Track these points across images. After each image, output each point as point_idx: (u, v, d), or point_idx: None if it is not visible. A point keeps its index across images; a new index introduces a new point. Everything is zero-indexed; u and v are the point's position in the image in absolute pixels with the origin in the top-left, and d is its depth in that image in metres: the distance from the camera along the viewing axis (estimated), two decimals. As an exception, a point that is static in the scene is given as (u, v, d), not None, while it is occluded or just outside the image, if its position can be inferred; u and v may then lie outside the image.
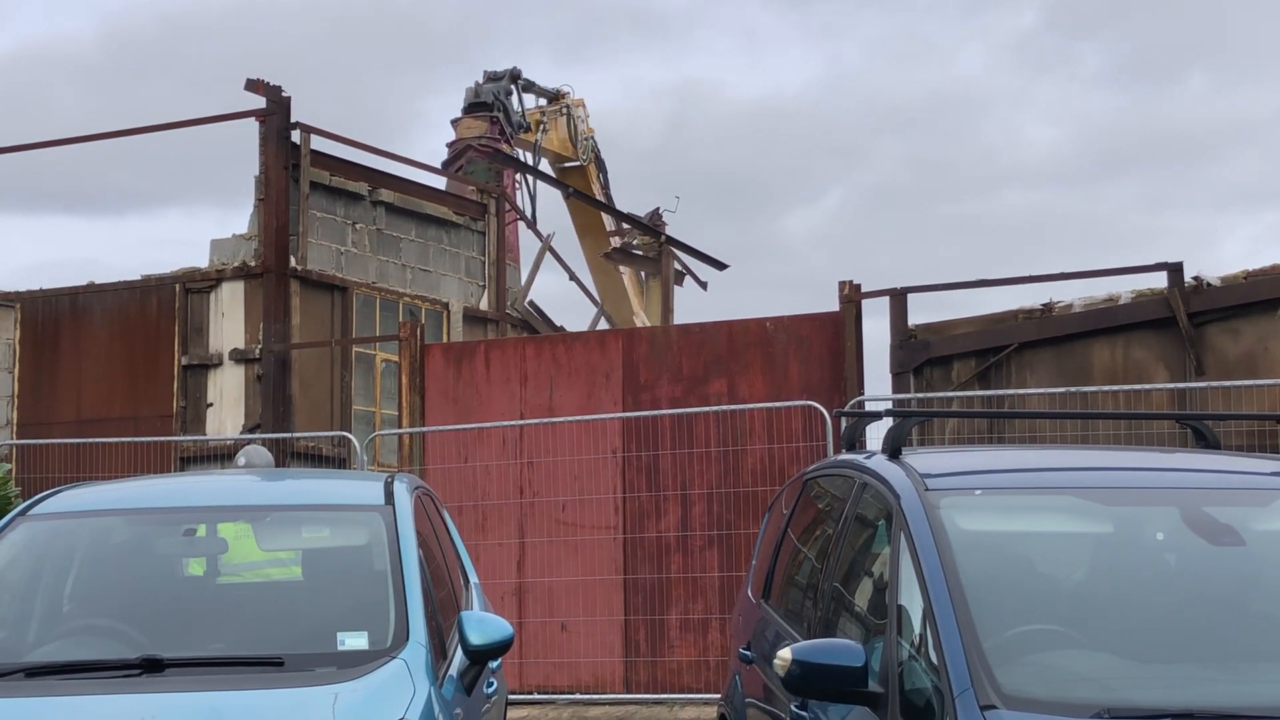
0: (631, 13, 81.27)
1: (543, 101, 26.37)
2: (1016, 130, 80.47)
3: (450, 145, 25.02)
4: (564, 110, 26.41)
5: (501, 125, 24.99)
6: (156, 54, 70.52)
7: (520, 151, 25.44)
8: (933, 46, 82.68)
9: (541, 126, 25.84)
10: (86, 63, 72.81)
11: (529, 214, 24.43)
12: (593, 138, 27.08)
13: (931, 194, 76.17)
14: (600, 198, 26.93)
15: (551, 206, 26.10)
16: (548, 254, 23.41)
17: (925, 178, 76.91)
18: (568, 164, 26.71)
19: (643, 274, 27.17)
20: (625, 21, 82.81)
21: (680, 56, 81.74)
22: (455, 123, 25.50)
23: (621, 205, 27.35)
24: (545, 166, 25.97)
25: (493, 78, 25.72)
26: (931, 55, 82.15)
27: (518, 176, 24.71)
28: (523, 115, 25.69)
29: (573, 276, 24.48)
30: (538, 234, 23.31)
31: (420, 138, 72.04)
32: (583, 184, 26.84)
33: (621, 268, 26.63)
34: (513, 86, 25.70)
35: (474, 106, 25.41)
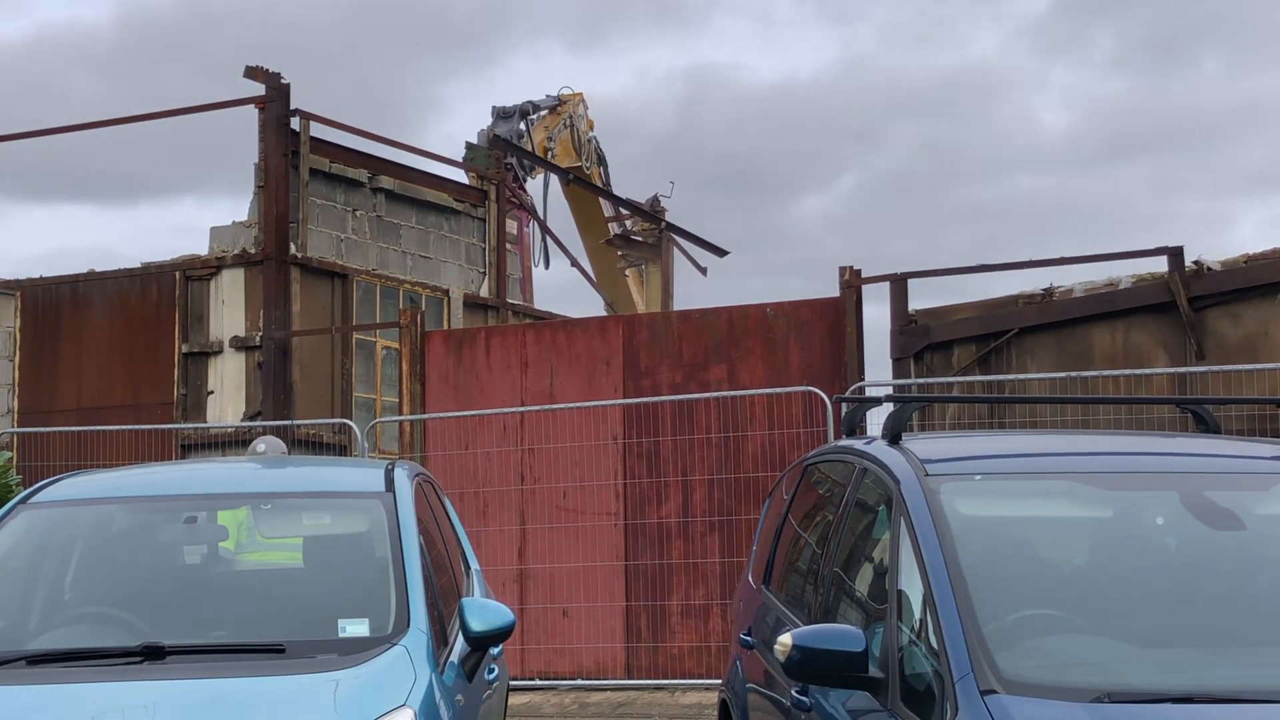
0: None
1: (544, 112, 26.19)
2: (1030, 114, 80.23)
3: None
4: (568, 123, 26.30)
5: (515, 173, 24.94)
6: (174, 40, 70.32)
7: (530, 195, 25.35)
8: (947, 30, 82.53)
9: (550, 152, 25.76)
10: (104, 49, 72.66)
11: (543, 251, 24.58)
12: (594, 136, 26.97)
13: (945, 179, 76.03)
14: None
15: (554, 200, 25.94)
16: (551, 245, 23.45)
17: (939, 162, 76.75)
18: (570, 167, 26.70)
19: (643, 265, 27.15)
20: (641, 5, 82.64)
21: (695, 41, 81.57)
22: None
23: (632, 191, 27.35)
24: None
25: (503, 114, 25.52)
26: (946, 39, 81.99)
27: (529, 218, 24.62)
28: (529, 164, 25.48)
29: (574, 263, 24.48)
30: (545, 229, 23.30)
31: (435, 123, 71.94)
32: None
33: (626, 270, 26.60)
34: (523, 127, 25.52)
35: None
